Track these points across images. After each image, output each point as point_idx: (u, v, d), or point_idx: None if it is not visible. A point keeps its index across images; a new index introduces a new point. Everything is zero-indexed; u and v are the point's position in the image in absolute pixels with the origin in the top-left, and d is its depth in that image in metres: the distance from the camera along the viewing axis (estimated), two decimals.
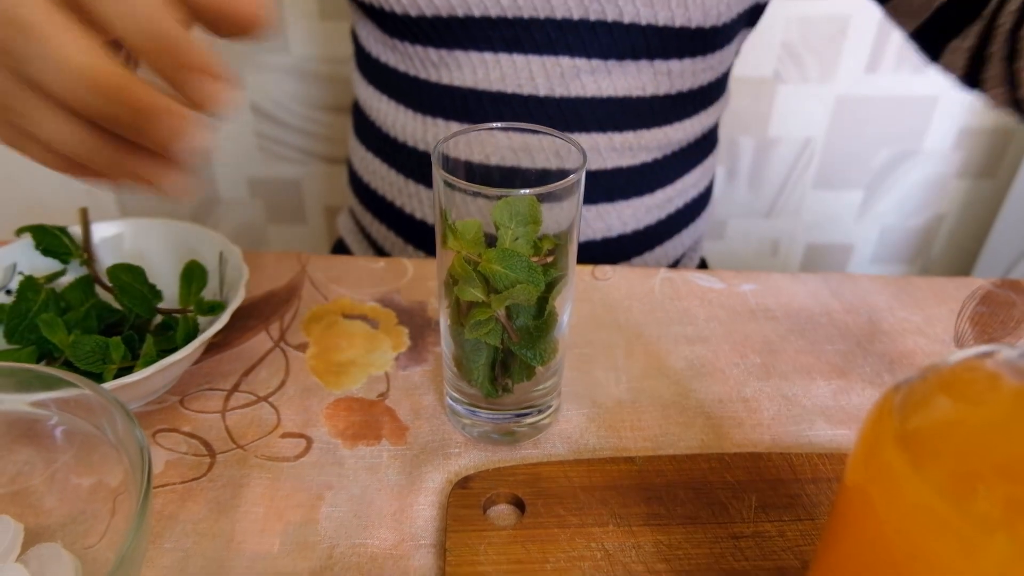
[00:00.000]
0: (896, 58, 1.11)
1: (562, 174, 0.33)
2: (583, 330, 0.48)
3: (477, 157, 0.37)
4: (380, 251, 0.70)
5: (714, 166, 0.75)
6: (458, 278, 0.35)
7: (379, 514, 0.36)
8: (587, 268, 0.54)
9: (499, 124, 0.36)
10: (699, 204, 0.74)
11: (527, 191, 0.32)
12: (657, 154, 0.64)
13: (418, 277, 0.52)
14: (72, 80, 0.24)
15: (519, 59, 0.55)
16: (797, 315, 0.49)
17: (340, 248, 0.78)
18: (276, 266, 0.52)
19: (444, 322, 0.38)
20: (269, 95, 1.13)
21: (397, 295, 0.50)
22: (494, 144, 0.38)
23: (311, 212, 1.23)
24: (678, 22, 0.55)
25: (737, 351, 0.46)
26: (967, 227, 1.30)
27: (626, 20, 0.54)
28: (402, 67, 0.60)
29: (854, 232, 1.30)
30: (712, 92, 0.66)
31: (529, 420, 0.39)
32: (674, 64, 0.59)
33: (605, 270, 0.54)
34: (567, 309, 0.37)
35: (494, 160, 0.42)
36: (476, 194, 0.32)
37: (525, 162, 0.48)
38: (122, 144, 0.27)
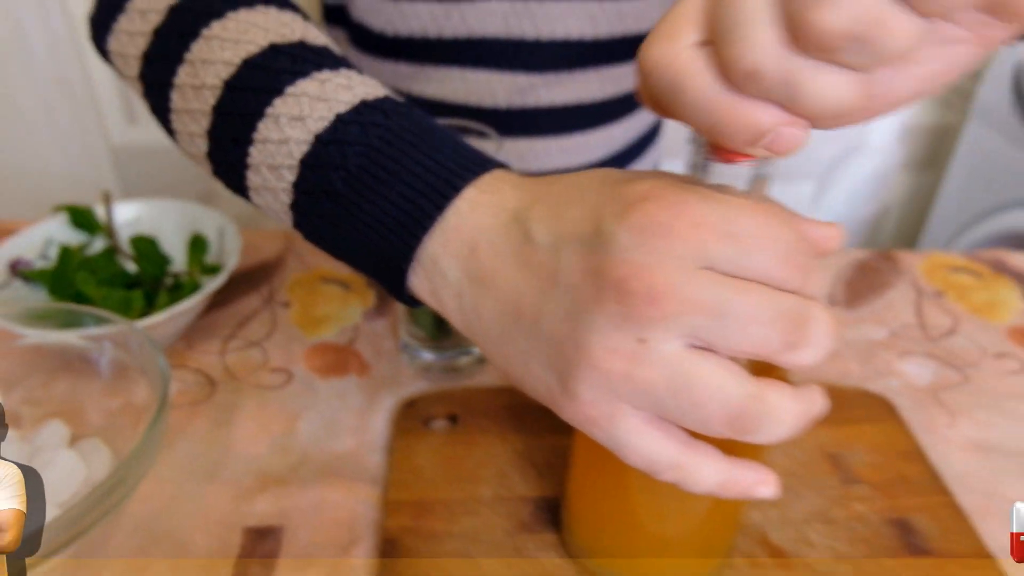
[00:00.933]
0: None
1: None
2: None
3: None
4: None
5: (657, 160, 0.85)
6: None
7: (344, 427, 0.46)
8: None
9: None
10: None
11: None
12: (603, 152, 0.74)
13: None
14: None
15: (482, 75, 0.64)
16: None
17: None
18: (266, 242, 0.62)
19: None
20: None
21: None
22: None
23: None
24: (618, 32, 0.65)
25: None
26: (913, 216, 1.40)
27: (573, 37, 0.63)
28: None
29: None
30: None
31: (466, 358, 0.49)
32: (617, 69, 0.68)
33: None
34: None
35: None
36: None
37: None
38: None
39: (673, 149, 1.28)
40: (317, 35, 0.38)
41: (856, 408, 0.47)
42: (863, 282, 0.60)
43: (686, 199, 0.25)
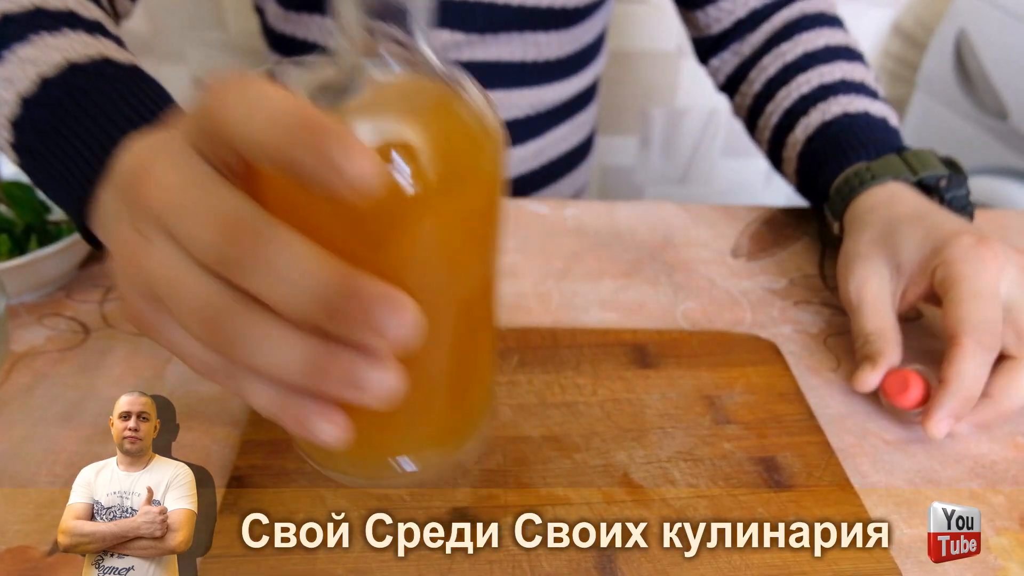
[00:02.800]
0: None
1: None
2: None
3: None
4: None
5: (589, 123, 0.84)
6: None
7: None
8: None
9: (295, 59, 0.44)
10: (574, 157, 0.83)
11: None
12: (529, 111, 0.73)
13: None
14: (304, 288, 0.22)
15: None
16: (605, 232, 0.58)
17: None
18: None
19: None
20: (211, 69, 1.21)
21: None
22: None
23: None
24: (545, 3, 0.64)
25: (543, 258, 0.55)
26: None
27: (500, 1, 0.63)
28: (300, 35, 0.68)
29: (763, 198, 1.39)
30: (579, 59, 0.74)
31: None
32: (541, 36, 0.67)
33: None
34: None
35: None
36: None
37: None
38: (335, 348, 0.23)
39: (613, 117, 1.27)
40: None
41: (741, 352, 0.46)
42: (769, 236, 0.59)
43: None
